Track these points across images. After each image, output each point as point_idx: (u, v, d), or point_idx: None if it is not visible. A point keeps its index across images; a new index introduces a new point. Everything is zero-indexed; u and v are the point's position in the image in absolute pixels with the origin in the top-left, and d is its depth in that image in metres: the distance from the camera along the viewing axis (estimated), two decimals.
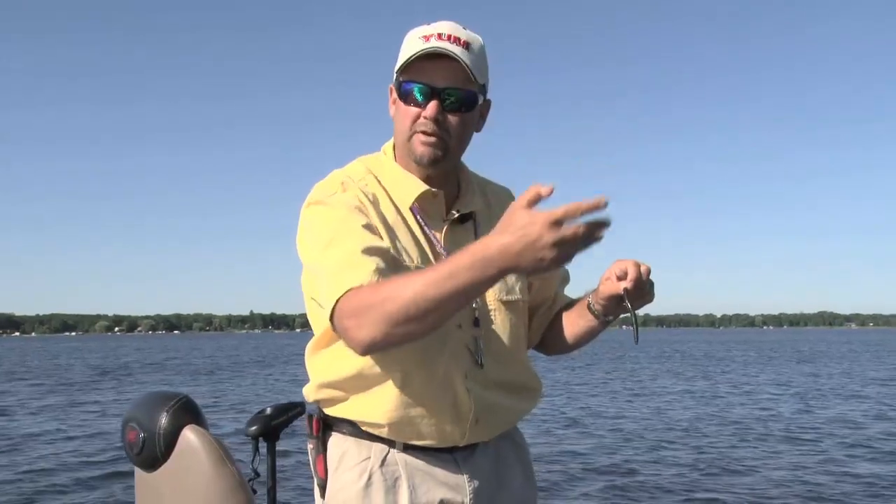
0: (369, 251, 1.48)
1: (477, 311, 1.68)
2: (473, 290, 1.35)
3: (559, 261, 1.26)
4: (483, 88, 1.65)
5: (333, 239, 1.52)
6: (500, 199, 1.82)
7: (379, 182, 1.68)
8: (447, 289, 1.32)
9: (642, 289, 1.63)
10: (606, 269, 1.66)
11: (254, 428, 2.06)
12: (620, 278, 1.63)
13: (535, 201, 1.26)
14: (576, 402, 17.06)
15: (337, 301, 1.44)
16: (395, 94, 1.66)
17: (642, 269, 1.61)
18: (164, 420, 1.97)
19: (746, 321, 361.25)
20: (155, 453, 1.97)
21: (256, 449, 2.09)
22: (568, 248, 1.25)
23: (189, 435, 1.97)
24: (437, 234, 1.68)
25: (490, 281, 1.32)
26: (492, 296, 1.70)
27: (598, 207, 1.23)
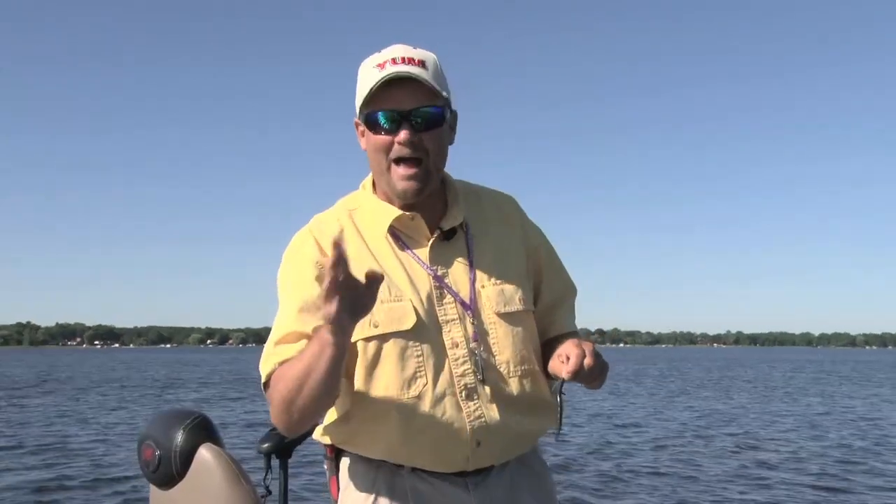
0: (287, 338, 1.60)
1: (474, 326, 1.65)
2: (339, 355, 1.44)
3: (337, 312, 1.33)
4: (447, 101, 1.66)
5: (278, 315, 1.65)
6: (498, 205, 1.81)
7: (352, 220, 1.71)
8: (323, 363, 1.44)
9: (583, 378, 1.56)
10: (561, 345, 1.61)
11: (266, 445, 2.09)
12: (564, 362, 1.55)
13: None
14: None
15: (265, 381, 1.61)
16: (361, 127, 1.68)
17: (586, 362, 1.52)
18: (180, 438, 2.03)
19: (846, 340, 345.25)
20: (171, 471, 2.04)
21: (269, 466, 2.11)
22: (338, 299, 1.32)
23: (205, 453, 2.03)
24: (421, 254, 1.68)
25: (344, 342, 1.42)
26: (488, 309, 1.67)
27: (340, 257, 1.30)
